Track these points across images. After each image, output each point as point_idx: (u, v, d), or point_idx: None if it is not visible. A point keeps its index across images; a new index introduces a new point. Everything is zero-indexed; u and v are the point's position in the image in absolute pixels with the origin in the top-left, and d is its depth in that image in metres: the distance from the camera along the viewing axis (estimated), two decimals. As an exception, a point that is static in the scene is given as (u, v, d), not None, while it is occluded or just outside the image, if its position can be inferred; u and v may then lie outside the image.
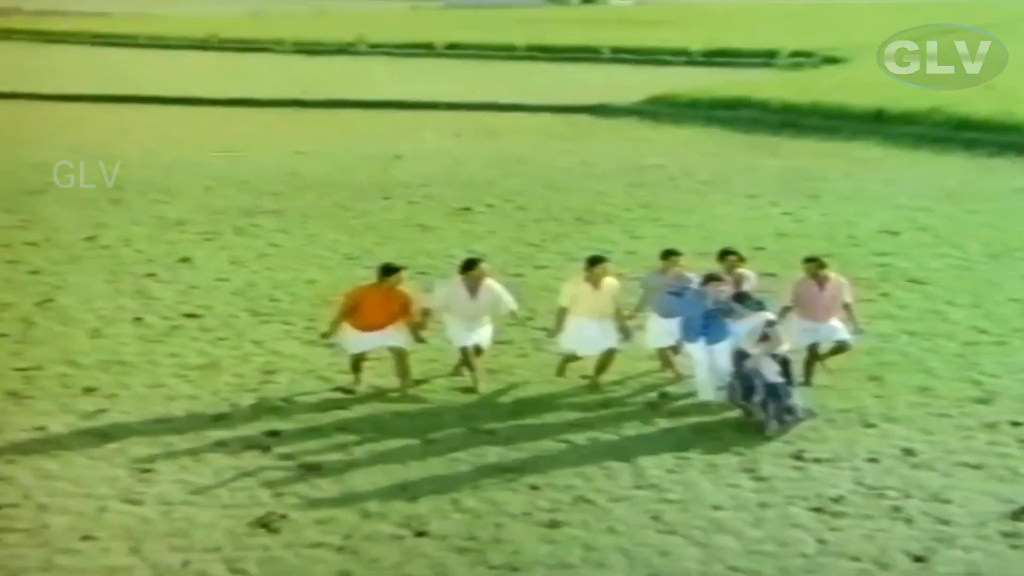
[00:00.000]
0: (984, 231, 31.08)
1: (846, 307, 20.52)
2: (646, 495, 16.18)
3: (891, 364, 21.28)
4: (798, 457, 17.39)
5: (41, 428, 18.48)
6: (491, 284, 20.12)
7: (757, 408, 18.21)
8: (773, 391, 18.17)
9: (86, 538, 14.99)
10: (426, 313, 20.02)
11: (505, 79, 65.42)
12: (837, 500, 16.01)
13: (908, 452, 17.57)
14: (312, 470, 16.97)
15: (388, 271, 19.66)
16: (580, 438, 18.02)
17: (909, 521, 15.44)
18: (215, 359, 21.33)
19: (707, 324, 18.94)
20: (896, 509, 15.77)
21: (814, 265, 20.46)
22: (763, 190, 36.35)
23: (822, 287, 20.27)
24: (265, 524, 15.32)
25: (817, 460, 17.30)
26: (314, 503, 15.98)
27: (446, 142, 45.64)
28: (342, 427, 18.08)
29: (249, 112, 55.01)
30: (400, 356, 19.65)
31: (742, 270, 20.49)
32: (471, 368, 20.00)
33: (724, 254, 20.81)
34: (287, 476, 16.83)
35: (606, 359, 20.11)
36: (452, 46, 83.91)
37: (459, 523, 15.41)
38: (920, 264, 27.96)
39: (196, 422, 18.71)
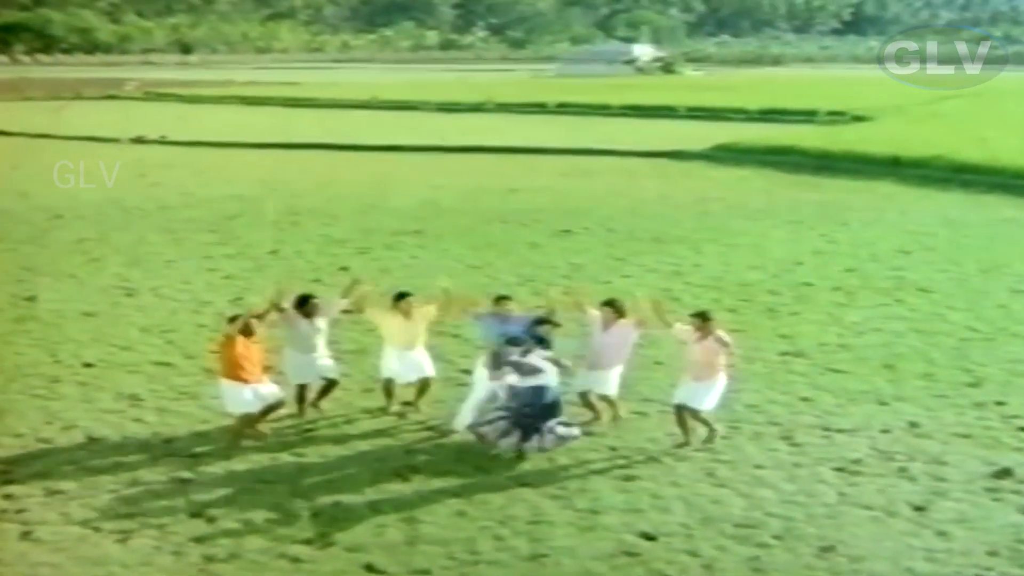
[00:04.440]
0: (977, 251, 30.52)
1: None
2: (703, 456, 16.00)
3: (902, 355, 20.92)
4: (825, 428, 17.19)
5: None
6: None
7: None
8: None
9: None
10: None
11: (601, 131, 65.11)
12: (855, 462, 15.84)
13: (913, 424, 17.32)
14: (438, 433, 16.88)
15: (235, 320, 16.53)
16: (651, 409, 17.77)
17: (912, 479, 15.24)
18: (364, 346, 21.05)
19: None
20: (902, 469, 15.56)
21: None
22: (804, 217, 35.85)
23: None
24: (399, 474, 15.27)
25: (841, 430, 17.11)
26: (439, 459, 15.92)
27: (552, 180, 45.40)
28: (463, 400, 17.54)
29: (399, 156, 55.18)
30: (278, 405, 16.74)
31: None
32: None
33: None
34: (419, 437, 16.75)
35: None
36: (561, 105, 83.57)
37: (552, 476, 15.32)
38: (926, 276, 27.43)
39: (348, 395, 18.62)
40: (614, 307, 17.21)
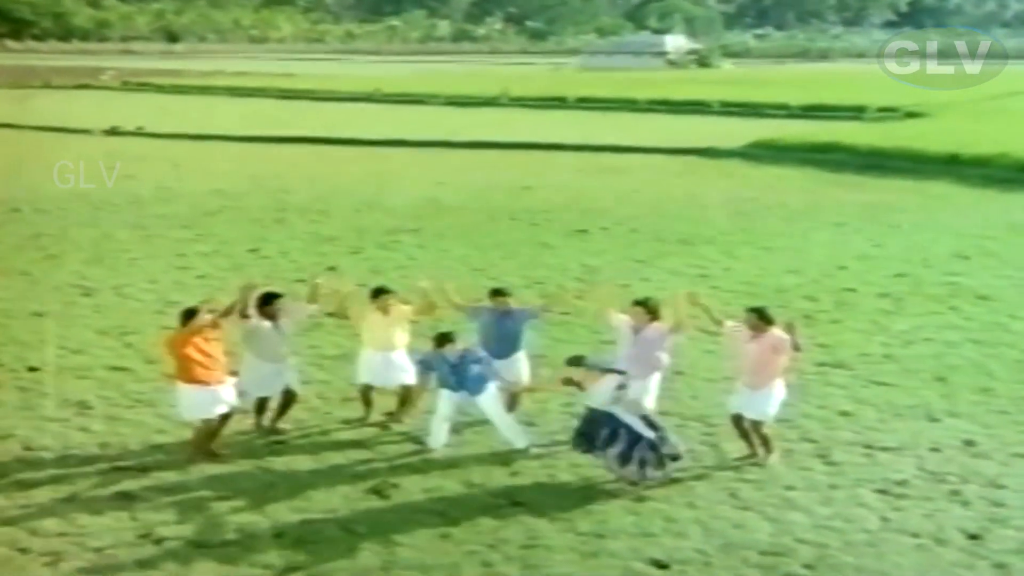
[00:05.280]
0: (1045, 257, 29.89)
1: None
2: (725, 475, 15.51)
3: (956, 367, 20.40)
4: (867, 446, 16.69)
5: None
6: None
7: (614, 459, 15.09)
8: (639, 441, 15.03)
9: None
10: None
11: (626, 127, 64.69)
12: (901, 484, 15.32)
13: (968, 443, 16.80)
14: (424, 445, 16.43)
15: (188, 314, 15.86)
16: (668, 423, 17.06)
17: (966, 503, 14.71)
18: (347, 351, 20.30)
19: (459, 375, 16.10)
20: (955, 493, 15.03)
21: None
22: (848, 219, 35.34)
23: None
24: (377, 491, 14.89)
25: (884, 448, 16.60)
26: (424, 475, 15.49)
27: (569, 177, 45.10)
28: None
29: (401, 151, 55.05)
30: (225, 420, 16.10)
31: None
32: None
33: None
34: (402, 451, 16.35)
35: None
36: (582, 100, 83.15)
37: (553, 495, 14.86)
38: (986, 283, 26.87)
39: (327, 404, 18.32)
40: (647, 307, 16.64)
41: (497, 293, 17.58)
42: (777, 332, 15.67)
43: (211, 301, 16.73)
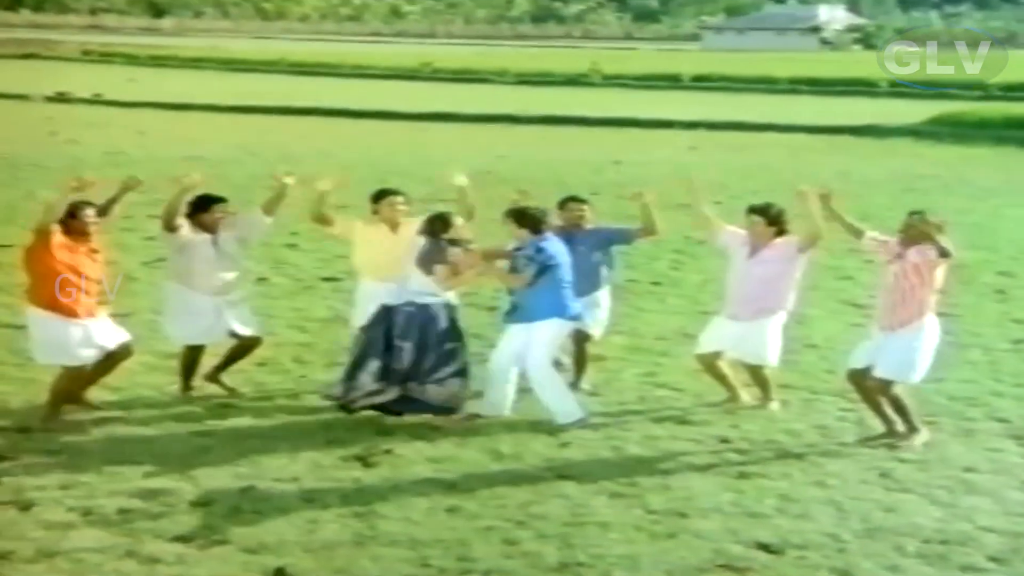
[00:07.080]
0: None
1: None
2: (873, 453, 14.53)
3: None
4: (1096, 428, 15.92)
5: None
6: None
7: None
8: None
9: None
10: None
11: (758, 107, 65.12)
12: None
13: None
14: (435, 409, 15.44)
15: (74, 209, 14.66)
16: (795, 397, 16.57)
17: None
18: (340, 313, 19.82)
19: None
20: None
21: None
22: (1058, 198, 35.01)
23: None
24: (362, 458, 14.02)
25: (1122, 432, 15.81)
26: (430, 441, 14.64)
27: (674, 153, 45.69)
28: (483, 362, 15.94)
29: (452, 126, 56.63)
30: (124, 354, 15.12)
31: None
32: None
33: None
34: (409, 420, 15.42)
35: None
36: (699, 78, 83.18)
37: (614, 468, 13.96)
38: None
39: (303, 367, 18.00)
40: (768, 216, 15.52)
41: (570, 201, 16.61)
42: (921, 247, 14.28)
43: (83, 188, 15.09)
